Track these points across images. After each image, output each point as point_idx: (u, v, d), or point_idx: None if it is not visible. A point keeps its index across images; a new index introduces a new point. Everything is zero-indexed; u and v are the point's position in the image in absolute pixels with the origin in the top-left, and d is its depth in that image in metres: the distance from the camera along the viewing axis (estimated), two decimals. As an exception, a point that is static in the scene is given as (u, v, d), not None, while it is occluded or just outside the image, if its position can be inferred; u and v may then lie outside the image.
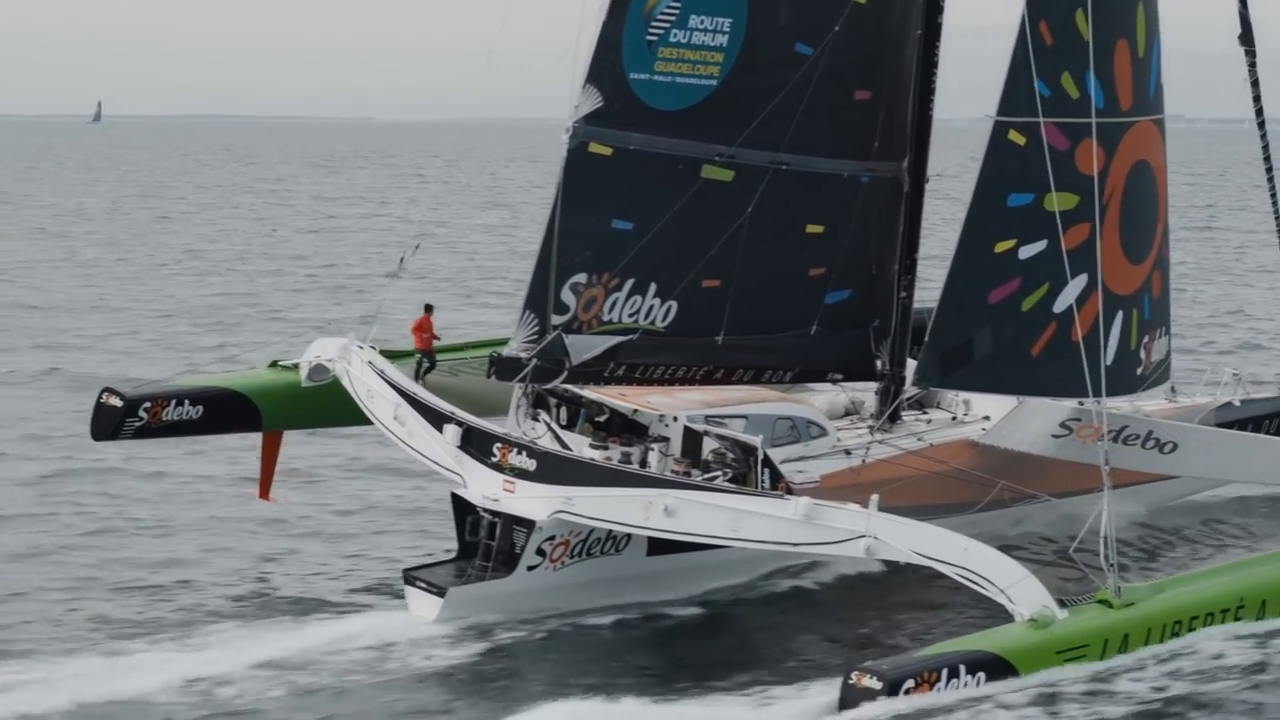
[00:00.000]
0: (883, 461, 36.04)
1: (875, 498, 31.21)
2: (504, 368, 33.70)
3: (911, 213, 37.10)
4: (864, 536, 30.57)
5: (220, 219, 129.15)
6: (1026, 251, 35.74)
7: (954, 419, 39.11)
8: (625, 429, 35.19)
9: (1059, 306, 36.17)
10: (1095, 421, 37.55)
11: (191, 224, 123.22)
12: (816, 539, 31.12)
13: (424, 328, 36.86)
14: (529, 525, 32.41)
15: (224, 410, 35.96)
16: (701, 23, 33.67)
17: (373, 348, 36.72)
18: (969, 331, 35.97)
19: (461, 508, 33.42)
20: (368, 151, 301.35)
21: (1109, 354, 37.11)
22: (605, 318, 34.07)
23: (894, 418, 37.68)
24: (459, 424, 33.86)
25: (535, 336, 33.60)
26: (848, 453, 36.03)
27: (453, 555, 33.64)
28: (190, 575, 35.16)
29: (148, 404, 34.93)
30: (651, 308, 34.43)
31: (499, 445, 33.44)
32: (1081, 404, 38.19)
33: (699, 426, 34.38)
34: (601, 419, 35.40)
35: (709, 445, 34.55)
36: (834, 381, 37.83)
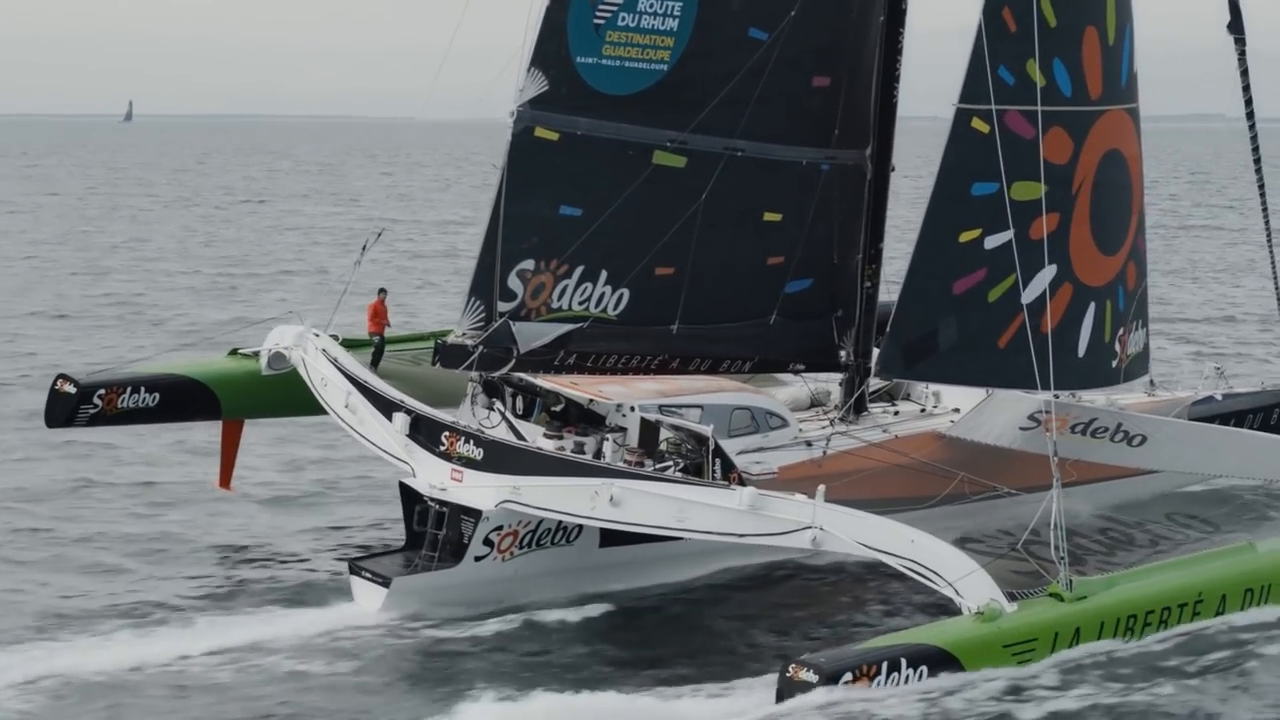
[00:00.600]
0: (845, 453, 35.17)
1: (821, 488, 30.35)
2: (449, 355, 32.81)
3: (875, 201, 36.20)
4: (810, 528, 29.75)
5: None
6: (992, 241, 34.75)
7: (923, 411, 38.18)
8: (582, 419, 34.41)
9: (1027, 297, 35.24)
10: (1061, 414, 36.72)
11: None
12: (762, 530, 30.29)
13: (379, 312, 36.05)
14: (476, 515, 31.73)
15: (181, 398, 35.19)
16: (651, 6, 32.74)
17: (333, 336, 36.14)
18: (933, 322, 34.99)
19: (410, 497, 32.60)
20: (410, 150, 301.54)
21: (1081, 346, 36.19)
22: (554, 305, 33.21)
23: (860, 409, 36.86)
24: (408, 412, 33.15)
25: (481, 324, 32.69)
26: (809, 444, 35.19)
27: (401, 546, 33.00)
28: (145, 563, 34.55)
29: (102, 391, 34.20)
30: (603, 295, 33.61)
31: (447, 434, 32.67)
32: (1057, 396, 37.48)
33: (651, 416, 33.60)
34: (557, 408, 34.65)
35: (665, 436, 33.82)
36: (795, 372, 36.92)
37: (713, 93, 33.36)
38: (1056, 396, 37.37)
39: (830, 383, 37.86)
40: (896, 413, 37.74)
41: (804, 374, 37.09)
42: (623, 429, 34.05)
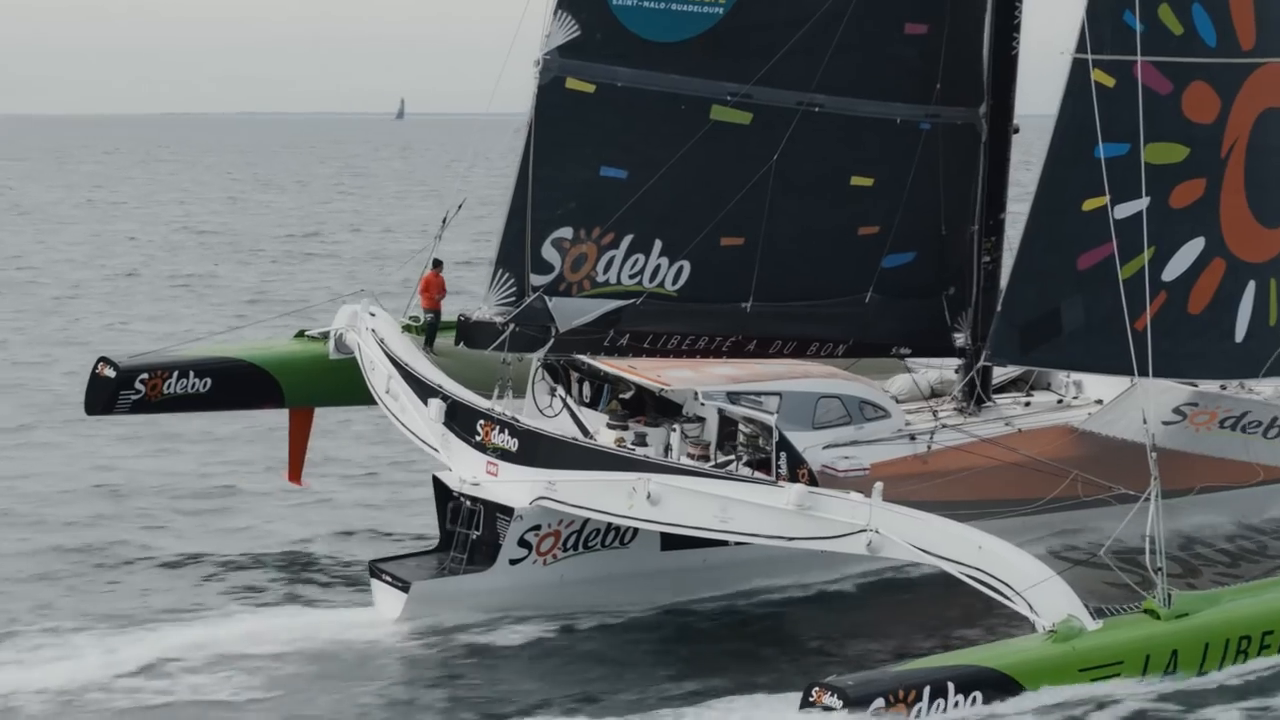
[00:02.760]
0: (952, 449, 30.07)
1: (879, 485, 25.39)
2: (474, 333, 28.10)
3: (993, 167, 30.87)
4: (864, 531, 24.91)
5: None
6: (1124, 210, 29.04)
7: (1060, 402, 32.75)
8: (658, 408, 29.90)
9: (1170, 274, 29.71)
10: (1212, 407, 31.07)
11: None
12: (813, 532, 25.42)
13: (432, 286, 31.35)
14: (510, 513, 27.50)
15: (237, 384, 31.03)
16: None
17: (413, 318, 32.25)
18: (1054, 301, 29.32)
19: (443, 492, 28.34)
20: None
21: (1239, 330, 30.45)
22: (600, 279, 28.35)
23: (981, 399, 31.61)
24: (444, 398, 28.99)
25: (511, 299, 27.87)
26: (912, 438, 30.12)
27: (434, 546, 28.86)
28: (185, 554, 30.96)
29: (145, 375, 30.17)
30: (659, 268, 28.82)
31: (483, 423, 28.43)
32: (1224, 387, 31.84)
33: (716, 404, 28.95)
34: (627, 395, 30.19)
35: (744, 428, 29.18)
36: (900, 357, 31.58)
37: (780, 39, 28.22)
38: (1224, 387, 31.87)
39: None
40: (1028, 404, 32.38)
41: (911, 359, 31.95)
42: (700, 419, 29.49)
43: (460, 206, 32.70)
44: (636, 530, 27.70)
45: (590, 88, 27.71)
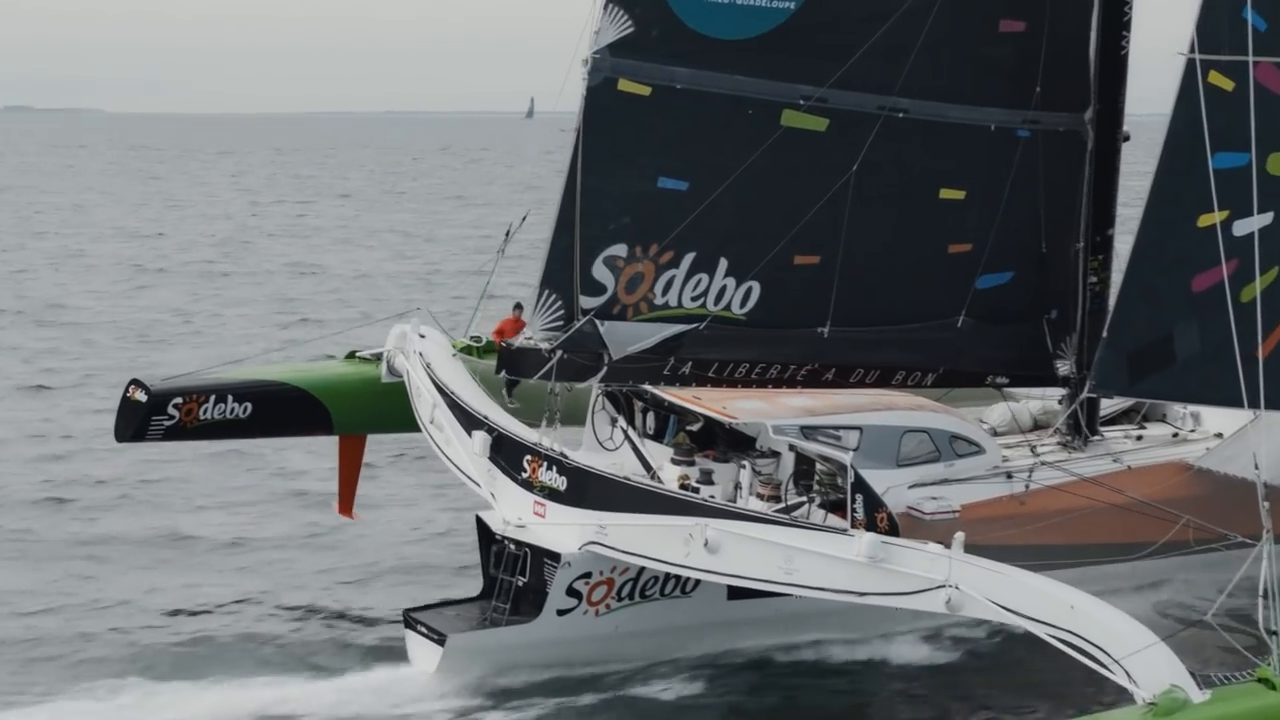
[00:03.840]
0: (1054, 489, 26.80)
1: (959, 536, 22.13)
2: (515, 361, 25.14)
3: (1101, 177, 27.53)
4: (943, 586, 21.73)
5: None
6: (1244, 227, 25.60)
7: (1175, 436, 29.35)
8: (730, 441, 26.90)
9: None
10: None
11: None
12: (885, 587, 22.20)
13: (508, 332, 27.84)
14: (558, 560, 24.61)
15: (280, 409, 28.14)
16: None
17: (474, 339, 29.41)
18: (1165, 326, 25.96)
19: (486, 534, 25.54)
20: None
21: None
22: (658, 301, 25.22)
23: (1085, 433, 28.26)
24: (490, 429, 26.13)
25: (559, 323, 24.81)
26: (1009, 476, 26.89)
27: (477, 594, 25.98)
28: (208, 600, 28.09)
29: (179, 399, 27.35)
30: (724, 289, 25.71)
31: (529, 458, 25.52)
32: None
33: (787, 439, 25.89)
34: (695, 427, 27.18)
35: (822, 466, 26.10)
36: (996, 386, 28.32)
37: (859, 38, 24.95)
38: None
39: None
40: (1139, 437, 29.01)
41: (1009, 389, 28.64)
42: (774, 454, 26.44)
43: (525, 218, 29.86)
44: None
45: (645, 90, 24.58)
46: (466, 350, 29.21)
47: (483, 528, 25.37)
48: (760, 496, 25.29)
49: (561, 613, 24.41)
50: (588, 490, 24.55)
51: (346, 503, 29.79)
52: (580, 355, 24.92)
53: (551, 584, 24.30)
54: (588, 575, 24.34)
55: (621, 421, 26.72)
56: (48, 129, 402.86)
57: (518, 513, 25.03)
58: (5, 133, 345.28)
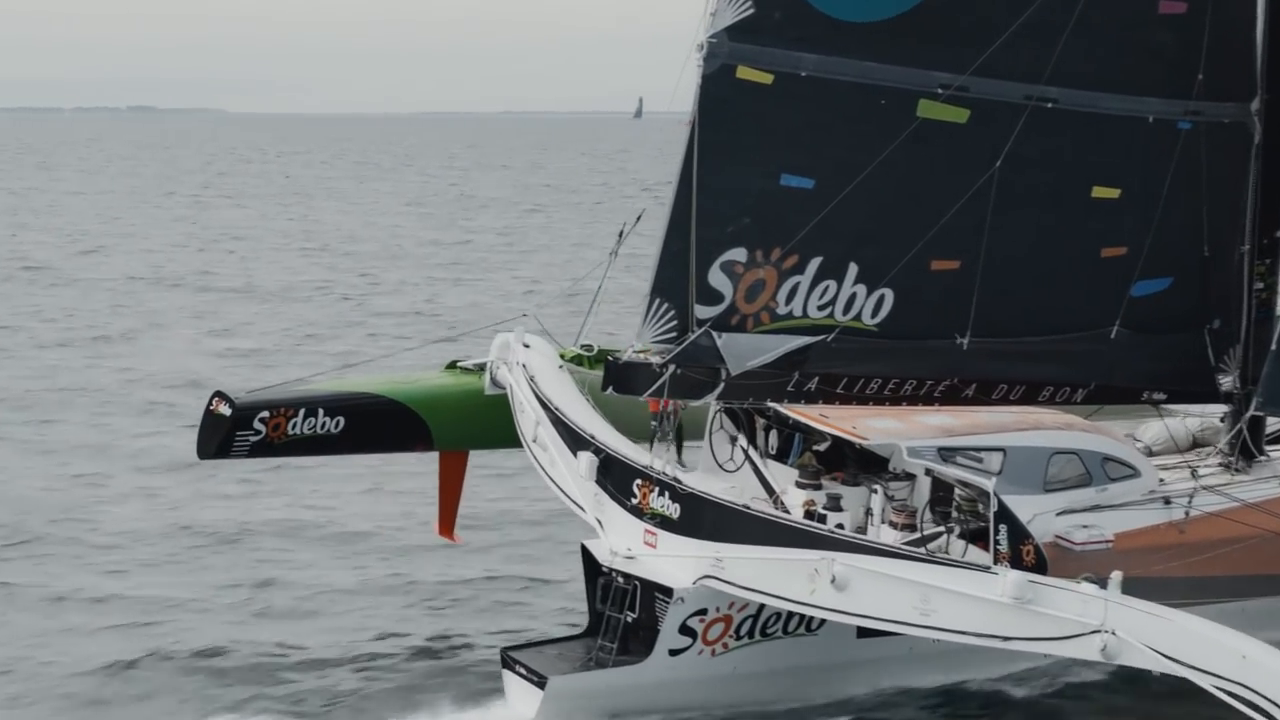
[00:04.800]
0: (1217, 516, 23.99)
1: (1116, 576, 19.54)
2: (624, 377, 22.38)
3: (1269, 172, 24.64)
4: (1098, 632, 19.13)
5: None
6: None
7: None
8: (861, 462, 24.30)
9: None
10: None
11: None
12: (1033, 632, 19.60)
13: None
14: (670, 595, 22.12)
15: (375, 424, 25.59)
16: None
17: (585, 347, 26.92)
18: None
19: (592, 565, 23.04)
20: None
21: None
22: (781, 310, 22.51)
23: (1252, 453, 25.41)
24: (597, 451, 23.65)
25: (671, 334, 22.10)
26: (1167, 501, 24.10)
27: (582, 630, 23.55)
28: (290, 628, 25.99)
29: (265, 413, 24.89)
30: (853, 297, 23.01)
31: (640, 482, 23.00)
32: None
33: (924, 462, 23.24)
34: (822, 447, 24.59)
35: (961, 491, 23.47)
36: (1153, 403, 25.49)
37: (1005, 20, 22.13)
38: None
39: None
40: (1311, 459, 26.13)
41: (1166, 405, 25.81)
42: (910, 476, 23.81)
43: (639, 218, 27.34)
44: None
45: (767, 78, 21.89)
46: (576, 360, 26.69)
47: (589, 558, 22.91)
48: (893, 525, 22.64)
49: (674, 652, 21.94)
50: (703, 518, 22.03)
51: (447, 524, 27.32)
52: (695, 370, 22.30)
53: (663, 621, 21.84)
54: (703, 612, 21.86)
55: (742, 440, 24.15)
56: (227, 131, 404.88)
57: (627, 542, 22.54)
58: (153, 132, 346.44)
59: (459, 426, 26.39)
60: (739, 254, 22.20)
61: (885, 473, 23.70)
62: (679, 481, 22.42)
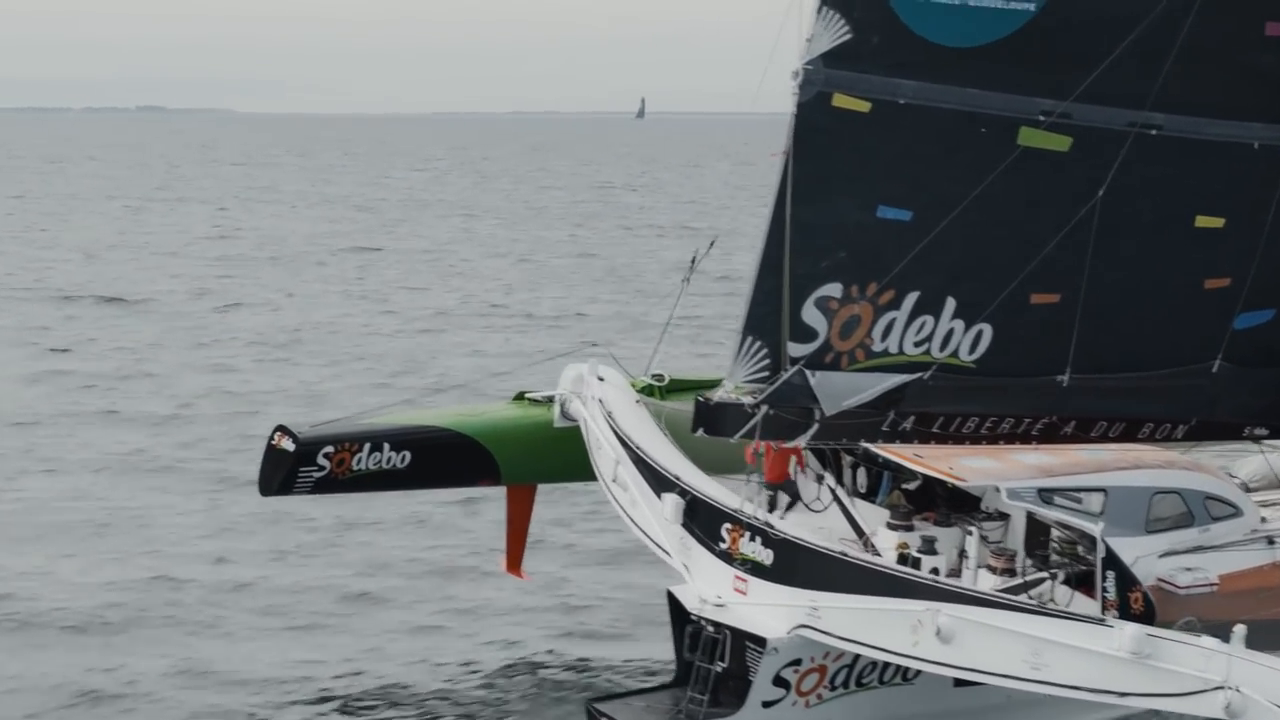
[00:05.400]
0: (1325, 557, 22.90)
1: (1240, 630, 18.51)
2: (715, 418, 21.27)
3: None
4: (1222, 688, 18.08)
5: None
6: None
7: None
8: (951, 502, 23.25)
9: None
10: None
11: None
12: (1152, 688, 18.55)
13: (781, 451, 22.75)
14: (763, 644, 21.07)
15: (442, 458, 24.58)
16: None
17: (656, 376, 25.92)
18: None
19: (680, 613, 22.00)
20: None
21: None
22: (876, 348, 21.44)
23: (1353, 493, 24.32)
24: (682, 493, 22.60)
25: (764, 373, 21.11)
26: (1271, 542, 23.06)
27: (670, 680, 22.46)
28: (360, 667, 24.86)
29: (330, 448, 23.90)
30: (951, 333, 21.95)
31: (729, 526, 21.97)
32: None
33: (1025, 504, 22.18)
34: (912, 486, 23.55)
35: (1058, 532, 22.43)
36: (1255, 439, 24.47)
37: (1108, 44, 21.05)
38: None
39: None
40: None
41: (1269, 441, 24.73)
42: (1004, 517, 22.76)
43: (712, 245, 26.37)
44: None
45: (864, 105, 20.82)
46: (647, 391, 25.70)
47: (675, 605, 21.84)
48: (992, 570, 21.58)
49: (767, 704, 20.87)
50: (798, 565, 20.97)
51: (515, 560, 26.31)
52: (788, 410, 21.26)
53: (756, 672, 20.76)
54: (797, 662, 20.80)
55: (830, 479, 23.10)
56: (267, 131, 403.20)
57: (716, 589, 21.48)
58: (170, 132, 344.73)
59: (527, 460, 25.39)
60: (834, 289, 21.13)
61: (977, 512, 22.66)
62: (771, 526, 21.34)
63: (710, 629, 21.16)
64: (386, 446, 24.37)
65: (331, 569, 29.78)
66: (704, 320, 56.10)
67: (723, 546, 21.65)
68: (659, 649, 24.55)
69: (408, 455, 24.50)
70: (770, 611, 20.88)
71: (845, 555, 20.92)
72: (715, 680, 21.12)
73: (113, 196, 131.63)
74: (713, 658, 21.15)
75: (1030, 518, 22.18)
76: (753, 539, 21.34)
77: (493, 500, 28.95)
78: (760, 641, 20.78)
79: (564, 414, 25.06)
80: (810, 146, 20.65)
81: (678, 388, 26.10)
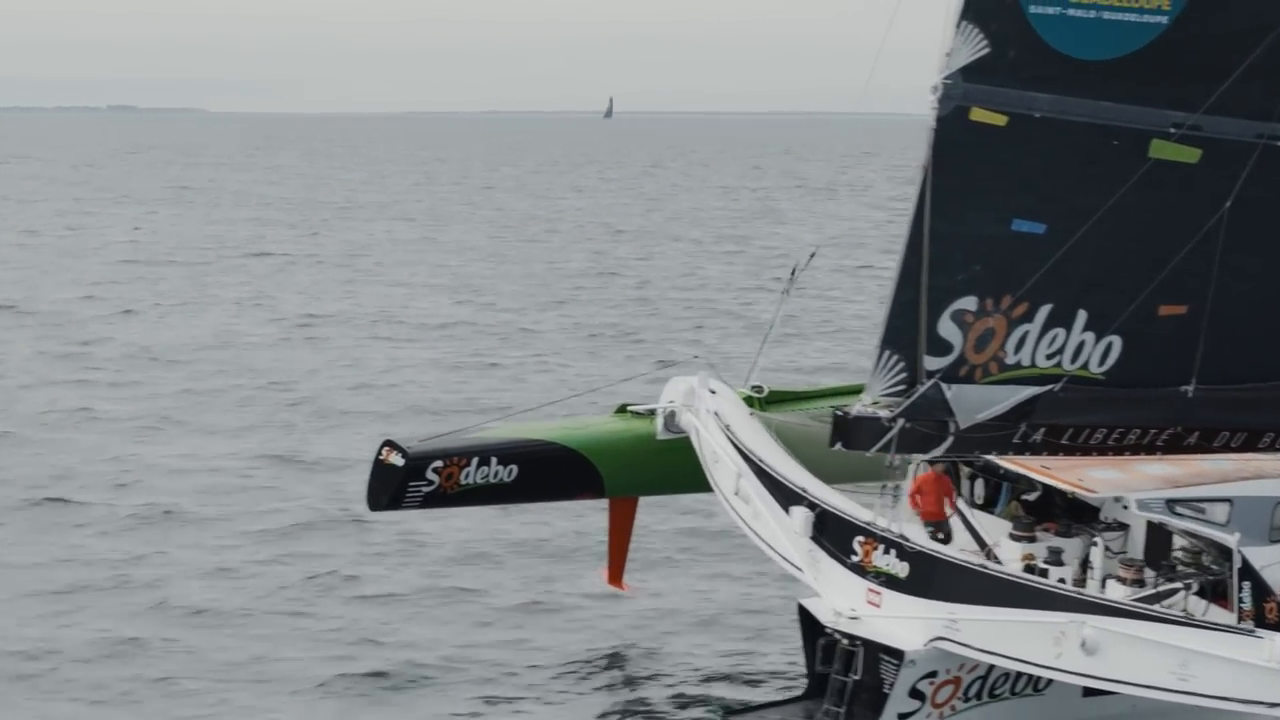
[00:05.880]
0: None
1: None
2: (853, 432, 21.30)
3: None
4: None
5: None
6: None
7: None
8: (1070, 512, 23.22)
9: None
10: None
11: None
12: None
13: (930, 489, 22.65)
14: (899, 656, 21.02)
15: (548, 471, 24.51)
16: None
17: (755, 388, 25.83)
18: None
19: (811, 625, 21.95)
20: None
21: None
22: (1009, 360, 21.43)
23: None
24: (811, 505, 22.55)
25: (901, 387, 21.15)
26: None
27: (800, 693, 22.41)
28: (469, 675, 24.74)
29: (439, 463, 23.78)
30: (1082, 345, 21.90)
31: (861, 539, 21.92)
32: None
33: (1156, 515, 22.14)
34: (1031, 497, 23.52)
35: (1180, 542, 22.41)
36: None
37: (1236, 56, 21.02)
38: None
39: None
40: None
41: None
42: (1123, 527, 22.72)
43: (812, 257, 26.31)
44: None
45: (1001, 119, 20.79)
46: (746, 401, 25.67)
47: (806, 618, 21.77)
48: (1121, 580, 21.54)
49: (903, 716, 20.83)
50: (935, 578, 20.91)
51: (616, 572, 26.17)
52: (923, 423, 21.23)
53: (894, 685, 20.69)
54: (933, 674, 20.74)
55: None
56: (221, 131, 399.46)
57: (849, 602, 21.42)
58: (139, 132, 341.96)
59: (631, 473, 25.29)
60: (969, 303, 21.12)
61: (1097, 523, 22.62)
62: (906, 539, 21.29)
63: (845, 642, 21.09)
64: (494, 460, 24.26)
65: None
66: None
67: (855, 559, 21.58)
68: (779, 661, 24.49)
69: (515, 469, 24.39)
70: (906, 624, 20.81)
71: (984, 567, 20.85)
72: (850, 693, 21.05)
73: (41, 200, 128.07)
74: (847, 670, 21.09)
75: (1150, 528, 22.13)
76: (887, 552, 21.27)
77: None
78: (895, 654, 20.71)
79: (668, 426, 24.96)
80: (948, 160, 20.67)
81: (776, 399, 26.03)
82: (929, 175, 20.57)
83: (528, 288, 70.58)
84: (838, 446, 21.51)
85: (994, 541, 22.47)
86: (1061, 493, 22.68)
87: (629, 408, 25.87)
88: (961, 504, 22.99)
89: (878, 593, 21.31)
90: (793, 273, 25.48)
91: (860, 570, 21.51)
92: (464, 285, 71.39)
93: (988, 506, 23.24)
